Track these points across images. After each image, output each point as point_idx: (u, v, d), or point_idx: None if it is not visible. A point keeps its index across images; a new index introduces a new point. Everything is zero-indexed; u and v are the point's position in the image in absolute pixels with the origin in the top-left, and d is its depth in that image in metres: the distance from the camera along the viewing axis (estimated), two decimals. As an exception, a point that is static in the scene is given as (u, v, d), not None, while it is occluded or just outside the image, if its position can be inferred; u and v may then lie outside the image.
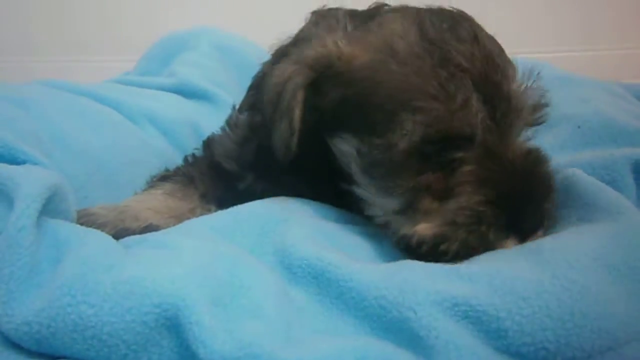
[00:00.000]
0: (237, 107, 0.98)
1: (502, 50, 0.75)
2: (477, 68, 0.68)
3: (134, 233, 0.76)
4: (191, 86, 1.30)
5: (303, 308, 0.62)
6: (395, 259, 0.67)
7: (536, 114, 0.75)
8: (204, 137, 1.03)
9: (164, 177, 0.95)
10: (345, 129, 0.74)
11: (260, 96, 0.81)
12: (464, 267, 0.60)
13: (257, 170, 0.89)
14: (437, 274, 0.59)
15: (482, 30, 0.75)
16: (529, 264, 0.58)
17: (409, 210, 0.69)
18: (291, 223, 0.74)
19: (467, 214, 0.65)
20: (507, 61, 0.74)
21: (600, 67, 1.84)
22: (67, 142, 0.84)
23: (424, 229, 0.67)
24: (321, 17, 0.85)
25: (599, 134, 0.95)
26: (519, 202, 0.65)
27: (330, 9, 0.87)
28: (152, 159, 1.03)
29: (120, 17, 2.30)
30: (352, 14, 0.83)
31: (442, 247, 0.65)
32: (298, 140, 0.72)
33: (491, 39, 0.75)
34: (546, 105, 0.75)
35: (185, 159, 1.02)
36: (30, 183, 0.61)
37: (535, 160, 0.70)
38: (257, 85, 0.89)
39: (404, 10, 0.78)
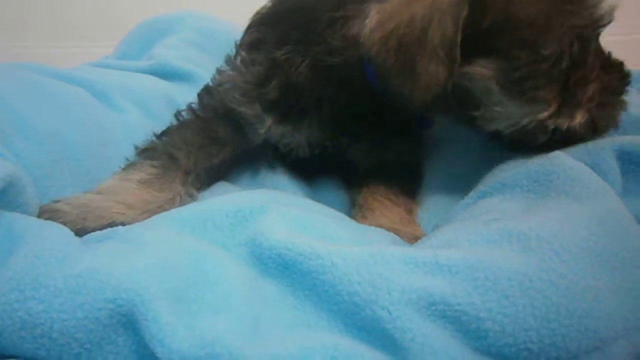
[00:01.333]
0: (239, 43, 0.94)
1: None
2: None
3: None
4: (169, 67, 1.23)
5: (274, 301, 0.58)
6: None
7: None
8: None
9: (144, 153, 0.88)
10: (487, 53, 0.73)
11: (295, 29, 0.83)
12: (444, 254, 0.56)
13: (280, 111, 0.85)
14: (415, 266, 0.55)
15: None
16: (514, 253, 0.55)
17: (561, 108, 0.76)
18: (268, 211, 0.70)
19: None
20: None
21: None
22: (30, 128, 0.78)
23: (581, 116, 0.76)
24: None
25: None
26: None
27: None
28: (125, 138, 0.96)
29: (109, 3, 2.23)
30: None
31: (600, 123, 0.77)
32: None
33: None
34: None
35: (167, 128, 0.94)
36: None
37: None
38: (277, 15, 0.89)
39: None
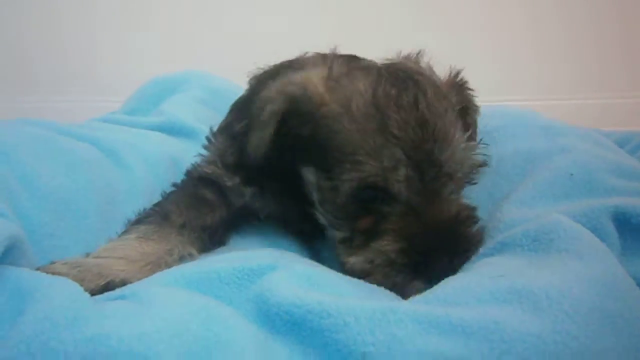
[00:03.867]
0: (215, 128, 1.08)
1: (445, 113, 0.84)
2: (409, 136, 0.79)
3: (92, 293, 0.68)
4: (178, 124, 1.28)
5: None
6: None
7: (472, 174, 0.88)
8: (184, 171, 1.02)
9: (139, 220, 0.92)
10: (311, 162, 0.87)
11: (247, 108, 0.96)
12: (457, 313, 0.56)
13: (242, 174, 0.96)
14: (429, 325, 0.55)
15: (427, 93, 0.84)
16: (526, 313, 0.55)
17: (348, 242, 0.84)
18: (275, 268, 0.71)
19: (382, 257, 0.78)
20: (449, 124, 0.83)
21: (584, 115, 1.89)
22: (36, 186, 0.79)
23: (353, 261, 0.81)
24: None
25: (579, 186, 0.93)
26: (431, 254, 0.77)
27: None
28: (128, 197, 0.99)
29: (97, 59, 2.32)
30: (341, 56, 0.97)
31: (367, 280, 0.77)
32: (273, 153, 0.85)
33: (434, 102, 0.83)
34: (484, 164, 0.90)
35: (162, 195, 0.99)
36: None
37: (459, 221, 0.82)
38: (243, 103, 1.06)
39: (371, 68, 0.90)
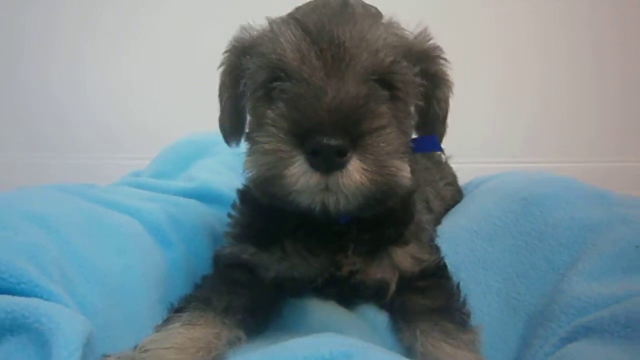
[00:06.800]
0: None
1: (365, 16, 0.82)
2: (311, 19, 0.79)
3: None
4: (213, 192, 1.24)
5: None
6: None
7: (389, 59, 0.79)
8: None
9: (180, 308, 0.86)
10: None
11: None
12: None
13: (254, 239, 0.92)
14: None
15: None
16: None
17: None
18: (353, 355, 0.65)
19: (267, 120, 0.75)
20: (365, 15, 0.82)
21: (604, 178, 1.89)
22: (88, 268, 0.74)
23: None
24: None
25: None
26: (315, 127, 0.70)
27: None
28: (171, 279, 0.94)
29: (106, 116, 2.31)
30: None
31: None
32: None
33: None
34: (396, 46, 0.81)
35: (195, 284, 0.94)
36: (71, 326, 0.52)
37: (355, 104, 0.73)
38: None
39: None
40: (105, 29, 2.28)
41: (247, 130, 0.95)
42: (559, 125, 2.28)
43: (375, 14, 0.87)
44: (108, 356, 0.68)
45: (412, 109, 0.89)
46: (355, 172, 0.70)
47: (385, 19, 0.87)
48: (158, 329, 0.81)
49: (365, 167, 0.71)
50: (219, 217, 1.17)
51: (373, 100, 0.75)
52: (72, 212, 0.85)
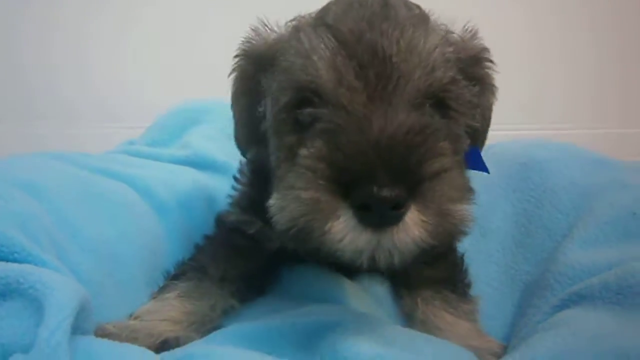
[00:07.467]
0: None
1: (411, 19, 0.66)
2: (347, 26, 0.63)
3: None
4: (208, 159, 1.22)
5: None
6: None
7: (436, 76, 0.63)
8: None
9: (176, 276, 0.86)
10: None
11: None
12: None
13: (262, 214, 0.78)
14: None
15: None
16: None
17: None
18: (344, 326, 0.68)
19: (302, 165, 0.60)
20: (411, 18, 0.66)
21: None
22: (81, 237, 0.74)
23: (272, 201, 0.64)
24: None
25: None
26: (360, 174, 0.56)
27: None
28: (167, 244, 0.94)
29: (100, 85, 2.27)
30: None
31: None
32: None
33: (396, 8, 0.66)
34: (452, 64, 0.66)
35: (195, 248, 0.94)
36: (64, 292, 0.52)
37: (407, 139, 0.58)
38: None
39: None
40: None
41: (270, 155, 0.75)
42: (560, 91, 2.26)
43: (421, 16, 0.71)
44: (104, 325, 0.70)
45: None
46: (413, 226, 0.56)
47: (431, 21, 0.71)
48: (154, 296, 0.82)
49: (425, 218, 0.57)
50: (214, 183, 1.17)
51: (432, 133, 0.60)
52: (65, 180, 0.85)
